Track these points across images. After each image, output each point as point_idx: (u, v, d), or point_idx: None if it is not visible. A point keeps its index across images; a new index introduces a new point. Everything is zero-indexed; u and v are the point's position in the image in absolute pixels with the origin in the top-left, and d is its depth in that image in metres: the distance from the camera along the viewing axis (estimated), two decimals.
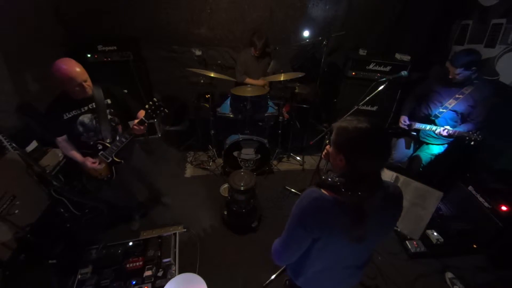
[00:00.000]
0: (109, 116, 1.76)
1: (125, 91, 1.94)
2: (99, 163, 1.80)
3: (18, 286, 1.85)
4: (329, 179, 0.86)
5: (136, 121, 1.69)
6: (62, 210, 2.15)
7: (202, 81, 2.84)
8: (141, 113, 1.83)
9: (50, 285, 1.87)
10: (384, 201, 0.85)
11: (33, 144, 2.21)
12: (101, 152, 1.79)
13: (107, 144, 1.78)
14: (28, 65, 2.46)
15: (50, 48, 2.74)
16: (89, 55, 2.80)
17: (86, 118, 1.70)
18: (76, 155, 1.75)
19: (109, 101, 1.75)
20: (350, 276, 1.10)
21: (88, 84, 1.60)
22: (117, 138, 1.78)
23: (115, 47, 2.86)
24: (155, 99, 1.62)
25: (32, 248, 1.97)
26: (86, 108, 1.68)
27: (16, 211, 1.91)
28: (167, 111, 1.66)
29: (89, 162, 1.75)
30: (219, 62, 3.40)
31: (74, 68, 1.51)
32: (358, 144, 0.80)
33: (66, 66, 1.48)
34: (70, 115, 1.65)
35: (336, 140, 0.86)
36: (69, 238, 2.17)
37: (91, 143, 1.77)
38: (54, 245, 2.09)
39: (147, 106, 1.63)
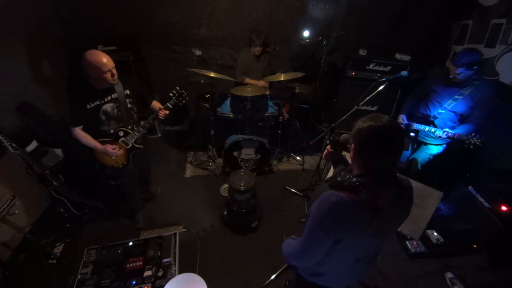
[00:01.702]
0: (129, 105, 1.90)
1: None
2: (119, 150, 1.89)
3: (18, 286, 1.85)
4: (345, 180, 0.87)
5: (160, 106, 1.93)
6: (62, 210, 2.15)
7: (202, 81, 2.84)
8: (155, 103, 2.07)
9: (50, 285, 1.87)
10: (399, 195, 0.87)
11: (33, 144, 2.22)
12: (122, 138, 1.90)
13: (129, 130, 1.90)
14: (28, 65, 2.46)
15: (50, 48, 2.74)
16: None
17: (108, 107, 1.81)
18: (96, 143, 1.82)
19: (128, 91, 1.88)
20: (362, 269, 1.12)
21: (115, 72, 1.72)
22: (140, 123, 1.94)
23: (115, 47, 2.86)
24: (177, 87, 1.90)
25: (32, 248, 1.98)
26: (109, 97, 1.79)
27: (16, 211, 1.91)
28: (188, 98, 1.93)
29: (110, 148, 1.83)
30: (219, 62, 3.40)
31: (104, 56, 1.65)
32: (366, 137, 0.83)
33: (97, 54, 1.63)
34: (94, 105, 1.75)
35: (353, 136, 0.88)
36: (69, 238, 2.17)
37: (111, 131, 1.87)
38: (54, 245, 2.10)
39: (171, 94, 1.89)
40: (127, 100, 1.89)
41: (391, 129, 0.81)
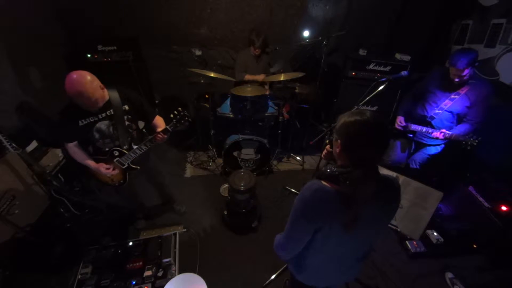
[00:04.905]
0: (126, 123, 1.72)
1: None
2: (114, 169, 1.76)
3: (18, 286, 1.85)
4: (328, 170, 0.89)
5: (159, 129, 1.70)
6: (62, 210, 2.16)
7: (202, 81, 2.84)
8: (158, 119, 1.85)
9: (50, 285, 1.87)
10: (380, 192, 0.86)
11: (33, 144, 2.21)
12: (117, 158, 1.75)
13: (124, 151, 1.74)
14: (29, 65, 2.46)
15: (50, 48, 2.74)
16: (89, 55, 2.79)
17: (103, 125, 1.64)
18: (89, 161, 1.69)
19: (126, 107, 1.70)
20: (349, 268, 1.12)
21: (100, 98, 1.54)
22: (136, 146, 1.75)
23: (115, 47, 2.86)
24: (180, 108, 1.63)
25: (32, 248, 1.98)
26: (103, 114, 1.63)
27: (16, 211, 1.91)
28: (191, 120, 1.68)
29: (103, 168, 1.70)
30: (219, 62, 3.40)
31: (84, 87, 1.42)
32: (353, 132, 0.84)
33: (76, 86, 1.40)
34: (86, 122, 1.59)
35: (337, 127, 0.90)
36: (69, 238, 2.17)
37: (106, 149, 1.73)
38: (54, 245, 2.10)
39: (172, 116, 1.63)
40: (125, 117, 1.70)
41: (377, 123, 0.82)
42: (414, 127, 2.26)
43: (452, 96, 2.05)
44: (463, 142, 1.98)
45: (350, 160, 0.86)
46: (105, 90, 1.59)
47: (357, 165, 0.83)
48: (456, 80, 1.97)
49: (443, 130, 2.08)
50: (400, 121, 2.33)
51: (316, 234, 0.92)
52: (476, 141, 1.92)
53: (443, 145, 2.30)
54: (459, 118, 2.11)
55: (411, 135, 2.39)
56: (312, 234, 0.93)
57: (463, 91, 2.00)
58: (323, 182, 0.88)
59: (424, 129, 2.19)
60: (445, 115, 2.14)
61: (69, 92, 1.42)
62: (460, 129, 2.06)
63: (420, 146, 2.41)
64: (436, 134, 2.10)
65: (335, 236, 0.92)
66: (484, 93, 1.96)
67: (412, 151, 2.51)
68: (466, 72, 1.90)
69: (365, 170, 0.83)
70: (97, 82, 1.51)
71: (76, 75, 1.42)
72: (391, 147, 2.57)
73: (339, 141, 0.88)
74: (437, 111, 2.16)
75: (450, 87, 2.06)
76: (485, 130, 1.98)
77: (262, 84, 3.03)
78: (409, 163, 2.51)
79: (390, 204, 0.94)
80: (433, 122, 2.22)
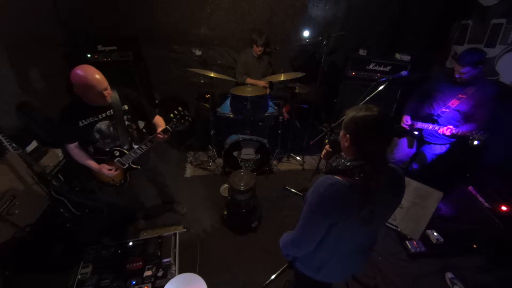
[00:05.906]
0: (126, 123, 1.72)
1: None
2: (115, 170, 1.77)
3: (18, 286, 1.85)
4: (340, 166, 0.90)
5: (160, 129, 1.70)
6: (62, 210, 2.16)
7: (202, 81, 2.84)
8: (158, 119, 1.85)
9: (50, 285, 1.87)
10: (389, 182, 0.89)
11: (33, 144, 2.22)
12: (118, 158, 1.75)
13: (125, 151, 1.74)
14: (29, 65, 2.46)
15: (50, 48, 2.75)
16: (89, 55, 2.80)
17: (103, 125, 1.65)
18: (91, 162, 1.69)
19: (126, 107, 1.70)
20: (359, 259, 1.13)
21: (109, 92, 1.54)
22: (136, 145, 1.75)
23: (115, 47, 2.86)
24: (180, 108, 1.63)
25: (32, 248, 1.98)
26: (103, 115, 1.63)
27: (16, 211, 1.92)
28: (191, 120, 1.67)
29: (105, 169, 1.71)
30: (219, 62, 3.40)
31: (94, 76, 1.44)
32: (363, 126, 0.86)
33: (84, 73, 1.42)
34: (86, 122, 1.59)
35: (346, 122, 0.93)
36: (69, 238, 2.17)
37: (107, 149, 1.73)
38: (54, 245, 2.10)
39: (172, 115, 1.63)
40: (125, 117, 1.71)
41: (384, 117, 0.86)
42: (420, 124, 2.26)
43: (460, 96, 2.05)
44: (470, 137, 1.96)
45: (360, 154, 0.88)
46: None
47: (369, 158, 0.85)
48: (457, 76, 1.97)
49: (450, 126, 2.08)
50: (406, 120, 2.34)
51: (331, 229, 0.93)
52: (483, 135, 1.90)
53: (448, 145, 2.29)
54: (465, 117, 2.11)
55: (417, 133, 2.39)
56: (326, 230, 0.93)
57: (470, 90, 2.01)
58: (336, 177, 0.89)
59: (431, 126, 2.19)
60: (452, 113, 2.14)
61: (80, 84, 1.42)
62: (467, 128, 2.05)
63: (425, 145, 2.41)
64: (443, 130, 2.10)
65: (348, 229, 0.93)
66: (490, 93, 1.97)
67: (417, 149, 2.50)
68: (465, 69, 1.90)
69: (376, 162, 0.85)
70: (103, 78, 1.52)
71: (80, 69, 1.42)
72: (395, 145, 2.57)
73: (347, 135, 0.90)
74: (444, 109, 2.16)
75: (457, 86, 2.06)
76: (488, 130, 1.98)
77: None
78: (412, 163, 2.51)
79: (397, 191, 0.97)
80: (439, 121, 2.22)
